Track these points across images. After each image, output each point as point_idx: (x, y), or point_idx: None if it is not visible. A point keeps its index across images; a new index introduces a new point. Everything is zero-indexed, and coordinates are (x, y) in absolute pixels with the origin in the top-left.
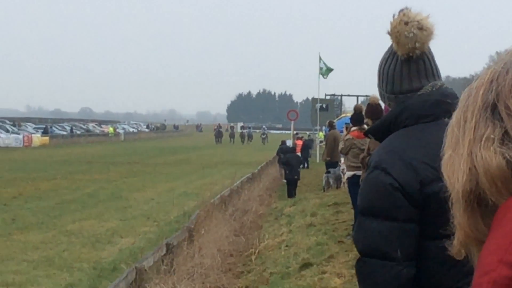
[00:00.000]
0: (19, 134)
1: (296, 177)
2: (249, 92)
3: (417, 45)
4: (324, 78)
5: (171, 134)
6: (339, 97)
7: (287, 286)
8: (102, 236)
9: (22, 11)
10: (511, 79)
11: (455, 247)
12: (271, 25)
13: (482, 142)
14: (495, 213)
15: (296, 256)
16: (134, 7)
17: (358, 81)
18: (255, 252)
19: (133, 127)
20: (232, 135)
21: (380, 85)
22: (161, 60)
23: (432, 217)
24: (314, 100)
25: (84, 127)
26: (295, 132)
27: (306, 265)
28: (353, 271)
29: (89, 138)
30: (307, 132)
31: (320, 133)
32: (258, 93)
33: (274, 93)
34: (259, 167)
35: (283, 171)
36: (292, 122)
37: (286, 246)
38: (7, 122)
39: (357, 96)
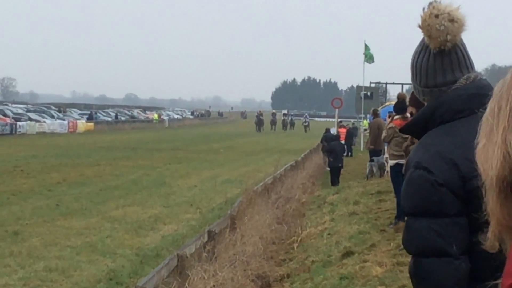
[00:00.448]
0: (64, 120)
1: (340, 165)
2: (294, 79)
3: (449, 37)
4: (369, 63)
5: (216, 121)
6: (384, 85)
7: (328, 274)
8: (145, 222)
9: None
10: None
11: (489, 238)
12: (316, 12)
13: None
14: None
15: (338, 244)
16: None
17: (404, 69)
18: (297, 240)
19: (178, 114)
20: (273, 123)
21: (413, 80)
22: (207, 47)
23: (475, 212)
24: (359, 88)
25: (129, 113)
26: (338, 120)
27: (347, 253)
28: (395, 260)
29: (133, 125)
30: (351, 120)
31: (365, 121)
32: (303, 80)
33: (319, 80)
34: (302, 155)
35: (326, 159)
36: (337, 110)
37: (328, 234)
38: (53, 108)
39: (402, 84)
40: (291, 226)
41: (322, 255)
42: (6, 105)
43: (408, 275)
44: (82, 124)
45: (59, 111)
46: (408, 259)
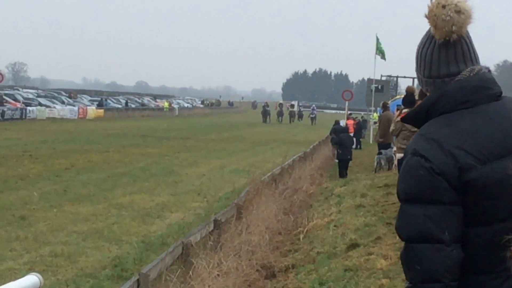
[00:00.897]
0: (74, 106)
1: (348, 157)
2: (305, 71)
3: (454, 28)
4: (382, 59)
5: (226, 111)
6: (395, 78)
7: (333, 266)
8: (152, 210)
9: None
10: None
11: None
12: (329, 3)
13: None
14: None
15: (343, 236)
16: None
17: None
18: (303, 231)
19: (188, 103)
20: (280, 114)
21: (418, 70)
22: (218, 36)
23: (471, 204)
24: (370, 80)
25: (139, 101)
26: (348, 112)
27: (353, 245)
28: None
29: (143, 112)
30: (361, 113)
31: (375, 114)
32: (314, 72)
33: (330, 72)
34: (311, 146)
35: (335, 151)
36: (347, 102)
37: (335, 226)
38: (63, 93)
39: (413, 78)
40: (297, 217)
41: (328, 247)
42: (17, 89)
43: None
44: (92, 111)
45: (70, 97)
46: None
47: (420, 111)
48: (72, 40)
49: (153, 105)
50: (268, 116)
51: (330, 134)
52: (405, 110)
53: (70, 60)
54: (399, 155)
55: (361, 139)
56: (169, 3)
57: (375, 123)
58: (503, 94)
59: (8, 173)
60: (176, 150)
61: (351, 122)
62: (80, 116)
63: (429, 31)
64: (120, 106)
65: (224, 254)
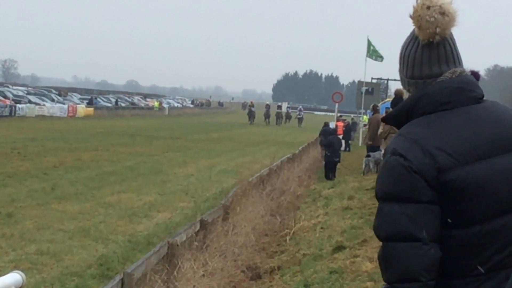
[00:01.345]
0: (64, 104)
1: (337, 159)
2: (296, 72)
3: (438, 30)
4: (377, 60)
5: (216, 111)
6: (386, 81)
7: (318, 268)
8: (139, 209)
9: None
10: None
11: None
12: (321, 5)
13: None
14: None
15: (330, 238)
16: None
17: None
18: (290, 233)
19: (178, 102)
20: (267, 115)
21: (401, 70)
22: (209, 36)
23: (448, 205)
24: (360, 83)
25: (129, 99)
26: (338, 114)
27: (339, 248)
28: None
29: (133, 111)
30: (351, 115)
31: (365, 116)
32: (305, 74)
33: (321, 74)
34: (300, 148)
35: (324, 153)
36: (337, 104)
37: (321, 228)
38: (53, 91)
39: None
40: (284, 218)
41: (314, 249)
42: (7, 86)
43: None
44: (82, 109)
45: (60, 95)
46: None
47: (401, 111)
48: (63, 38)
49: (143, 104)
50: (253, 117)
51: (319, 136)
52: None
53: (61, 58)
54: None
55: (350, 141)
56: (161, 2)
57: (364, 125)
58: (492, 98)
59: None
60: (165, 150)
61: (340, 124)
62: (69, 114)
63: (413, 32)
64: (110, 104)
65: (210, 254)
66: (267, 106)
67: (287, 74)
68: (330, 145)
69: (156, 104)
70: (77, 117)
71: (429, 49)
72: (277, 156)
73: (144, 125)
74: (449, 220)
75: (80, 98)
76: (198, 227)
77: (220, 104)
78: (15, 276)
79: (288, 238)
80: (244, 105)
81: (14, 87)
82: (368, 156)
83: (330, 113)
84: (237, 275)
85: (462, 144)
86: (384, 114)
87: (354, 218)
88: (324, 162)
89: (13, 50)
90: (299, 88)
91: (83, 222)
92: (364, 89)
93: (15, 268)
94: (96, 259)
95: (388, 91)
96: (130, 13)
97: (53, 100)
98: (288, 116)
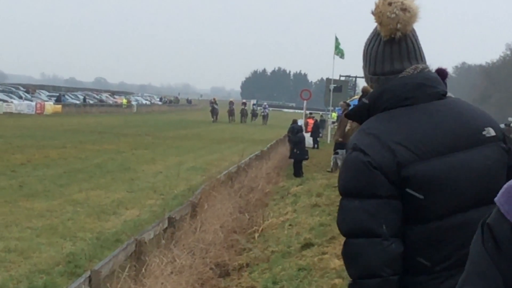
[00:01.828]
0: (32, 101)
1: (306, 157)
2: (264, 70)
3: (399, 26)
4: (341, 58)
5: (184, 108)
6: (354, 79)
7: (286, 265)
8: (107, 207)
9: None
10: None
11: None
12: (289, 2)
13: None
14: None
15: (298, 235)
16: None
17: None
18: (258, 230)
19: (147, 99)
20: (231, 113)
21: (364, 67)
22: (177, 34)
23: (408, 200)
24: (328, 80)
25: (98, 97)
26: (309, 111)
27: (307, 245)
28: None
29: (101, 108)
30: (320, 112)
31: (333, 113)
32: (273, 71)
33: (289, 71)
34: (268, 145)
35: (294, 150)
36: (305, 102)
37: (290, 225)
38: (21, 88)
39: None
40: (253, 215)
41: (282, 246)
42: None
43: None
44: (50, 106)
45: (27, 92)
46: None
47: (362, 107)
48: (31, 35)
49: (111, 102)
50: (216, 115)
51: (288, 133)
52: None
53: (29, 55)
54: None
55: (318, 139)
56: (129, 0)
57: (333, 122)
58: (461, 96)
59: None
60: (133, 147)
61: (311, 121)
62: (37, 111)
63: (375, 28)
64: (78, 102)
65: (178, 251)
66: (231, 103)
67: (255, 72)
68: (299, 142)
69: (124, 101)
70: (45, 115)
71: (391, 45)
72: (246, 153)
73: (112, 122)
74: (410, 216)
75: (48, 95)
76: (166, 224)
77: (189, 102)
78: None
79: (256, 235)
80: (211, 102)
81: None
82: (336, 153)
83: (299, 111)
84: (205, 272)
85: (422, 140)
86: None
87: (323, 215)
88: (292, 160)
89: None
90: (268, 86)
91: (51, 219)
92: (332, 86)
93: None
94: (64, 257)
95: (356, 88)
96: (98, 10)
97: (20, 97)
98: (254, 114)
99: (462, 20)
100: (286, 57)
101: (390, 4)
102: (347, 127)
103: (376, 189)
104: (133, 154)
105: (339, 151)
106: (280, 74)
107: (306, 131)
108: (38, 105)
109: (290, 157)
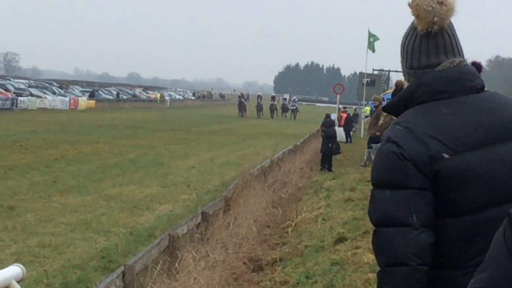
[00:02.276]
0: (65, 96)
1: (339, 151)
2: (297, 64)
3: (436, 19)
4: (373, 52)
5: (217, 103)
6: (387, 73)
7: (320, 259)
8: (141, 202)
9: None
10: None
11: None
12: None
13: None
14: None
15: (331, 230)
16: None
17: None
18: (291, 225)
19: (180, 94)
20: (259, 108)
21: (401, 61)
22: (211, 28)
23: (441, 194)
24: (361, 74)
25: (131, 92)
26: (341, 106)
27: (340, 239)
28: None
29: (134, 104)
30: (353, 107)
31: (366, 108)
32: (306, 65)
33: (322, 65)
34: (301, 140)
35: (328, 144)
36: (338, 96)
37: (323, 219)
38: (55, 84)
39: None
40: (286, 210)
41: (316, 240)
42: (8, 79)
43: None
44: (83, 102)
45: (61, 88)
46: None
47: (399, 101)
48: (64, 31)
49: (144, 97)
50: (244, 110)
51: (321, 127)
52: None
53: (62, 51)
54: None
55: (351, 133)
56: None
57: (366, 117)
58: (495, 89)
59: None
60: (167, 142)
61: (344, 115)
62: (71, 107)
63: (413, 22)
64: (111, 97)
65: (211, 246)
66: (259, 98)
67: (288, 66)
68: (332, 136)
69: (158, 96)
70: (78, 110)
71: (427, 39)
72: (279, 148)
73: (145, 117)
74: (443, 210)
75: (81, 91)
76: (199, 219)
77: (222, 96)
78: (15, 269)
79: (290, 230)
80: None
81: (16, 80)
82: (370, 147)
83: (332, 105)
84: (239, 267)
85: (456, 133)
86: None
87: (356, 210)
88: (325, 154)
89: (15, 43)
90: (301, 80)
91: (85, 214)
92: (365, 80)
93: (17, 261)
94: (98, 252)
95: (390, 82)
96: (132, 5)
97: (54, 93)
98: (285, 109)
99: (496, 12)
100: (319, 51)
101: None
102: (380, 121)
103: (408, 180)
104: (166, 149)
105: (373, 145)
106: (313, 68)
107: (340, 125)
108: (72, 101)
109: (321, 151)
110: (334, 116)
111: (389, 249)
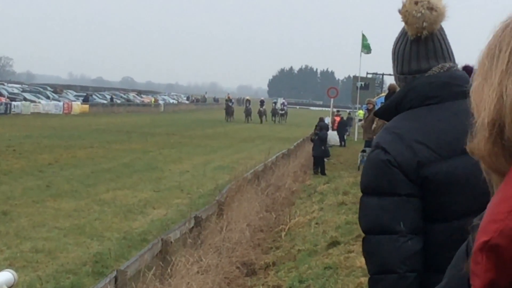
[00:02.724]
0: (59, 101)
1: (329, 154)
2: (291, 68)
3: (425, 25)
4: (366, 53)
5: (211, 107)
6: (381, 76)
7: (313, 263)
8: (134, 206)
9: None
10: None
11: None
12: (315, 0)
13: None
14: None
15: (324, 234)
16: None
17: None
18: (285, 229)
19: (174, 99)
20: (247, 113)
21: (393, 66)
22: (204, 33)
23: (429, 199)
24: (355, 78)
25: (125, 96)
26: (335, 109)
27: (333, 243)
28: None
29: (128, 108)
30: (347, 110)
31: (360, 111)
32: (300, 69)
33: (316, 69)
34: (295, 143)
35: (322, 147)
36: (332, 100)
37: (316, 223)
38: (48, 88)
39: None
40: (280, 214)
41: (309, 244)
42: (2, 84)
43: None
44: (77, 106)
45: (55, 92)
46: None
47: (389, 106)
48: (58, 35)
49: (138, 101)
50: (231, 114)
51: (315, 129)
52: None
53: (56, 55)
54: None
55: (345, 137)
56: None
57: (359, 120)
58: None
59: None
60: (161, 146)
61: (338, 118)
62: (65, 111)
63: (403, 27)
64: (105, 101)
65: (204, 251)
66: (247, 102)
67: (282, 70)
68: (325, 140)
69: (153, 100)
70: (72, 114)
71: (418, 44)
72: (272, 152)
73: (139, 121)
74: (431, 215)
75: (75, 95)
76: (192, 224)
77: (216, 100)
78: (6, 275)
79: (283, 234)
80: (239, 101)
81: (9, 85)
82: (363, 151)
83: (326, 108)
84: (232, 272)
85: (444, 139)
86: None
87: (349, 214)
88: (317, 156)
89: (8, 48)
90: (295, 84)
91: (78, 219)
92: (359, 84)
93: (10, 266)
94: (91, 257)
95: (384, 85)
96: (125, 9)
97: (48, 98)
98: (275, 113)
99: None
100: (313, 55)
101: (416, 3)
102: (374, 125)
103: (395, 187)
104: (160, 154)
105: (366, 149)
106: (307, 72)
107: (333, 129)
108: (66, 105)
109: (313, 155)
110: (328, 120)
111: (377, 256)
